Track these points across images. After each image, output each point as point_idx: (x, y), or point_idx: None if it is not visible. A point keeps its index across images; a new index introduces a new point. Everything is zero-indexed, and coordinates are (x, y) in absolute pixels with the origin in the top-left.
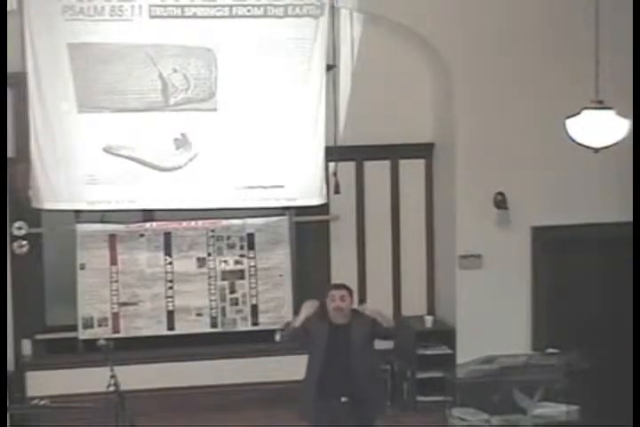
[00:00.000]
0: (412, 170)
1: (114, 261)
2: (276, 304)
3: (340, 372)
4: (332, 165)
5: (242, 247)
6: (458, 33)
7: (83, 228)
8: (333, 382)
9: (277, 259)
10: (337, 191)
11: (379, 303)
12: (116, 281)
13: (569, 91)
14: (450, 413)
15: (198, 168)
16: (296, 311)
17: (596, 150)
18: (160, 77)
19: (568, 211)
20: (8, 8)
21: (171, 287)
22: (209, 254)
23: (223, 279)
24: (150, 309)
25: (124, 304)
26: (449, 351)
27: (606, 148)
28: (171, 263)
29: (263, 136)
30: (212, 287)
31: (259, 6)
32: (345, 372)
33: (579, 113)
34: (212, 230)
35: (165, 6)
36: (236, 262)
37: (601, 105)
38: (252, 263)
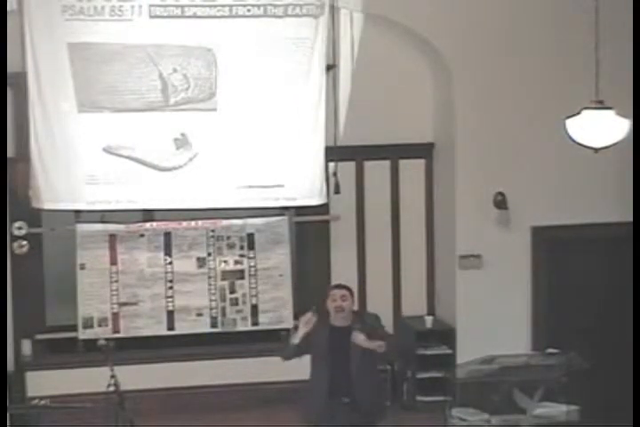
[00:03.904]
0: (412, 170)
1: (114, 261)
2: (276, 304)
3: (343, 374)
4: (332, 165)
5: (242, 247)
6: (458, 33)
7: (83, 228)
8: (338, 384)
9: (277, 259)
10: (337, 191)
11: (379, 303)
12: (116, 281)
13: (569, 91)
14: (450, 413)
15: (198, 168)
16: (296, 314)
17: (596, 150)
18: (160, 77)
19: (568, 211)
20: (8, 8)
21: (171, 287)
22: (209, 254)
23: (223, 279)
24: (150, 309)
25: (124, 304)
26: (449, 351)
27: (606, 148)
28: (171, 263)
29: (263, 136)
30: (212, 287)
31: (259, 6)
32: (347, 374)
33: (579, 113)
34: (212, 230)
35: (165, 6)
36: (236, 262)
37: (601, 105)
38: (252, 263)
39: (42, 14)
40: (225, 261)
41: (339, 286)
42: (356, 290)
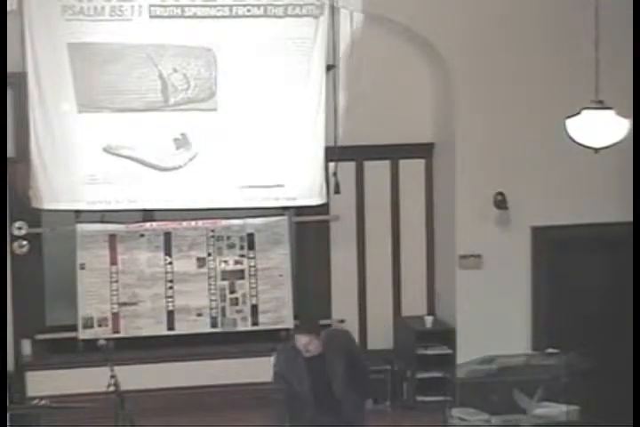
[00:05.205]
0: (412, 170)
1: (114, 261)
2: (276, 304)
3: (326, 401)
4: (332, 165)
5: (242, 247)
6: (458, 33)
7: (83, 228)
8: (323, 405)
9: (277, 259)
10: (337, 191)
11: (379, 303)
12: (116, 281)
13: (569, 91)
14: (450, 413)
15: (198, 168)
16: (296, 312)
17: (596, 150)
18: (160, 77)
19: (568, 211)
20: (8, 8)
21: (171, 287)
22: (209, 254)
23: (223, 279)
24: (150, 309)
25: (124, 304)
26: (449, 351)
27: (606, 148)
28: (171, 263)
29: (263, 136)
30: (212, 287)
31: (259, 6)
32: (330, 396)
33: (579, 113)
34: (212, 230)
35: (165, 6)
36: (236, 262)
37: (601, 105)
38: (252, 263)
39: (42, 14)
40: (225, 261)
41: (302, 332)
42: (355, 289)
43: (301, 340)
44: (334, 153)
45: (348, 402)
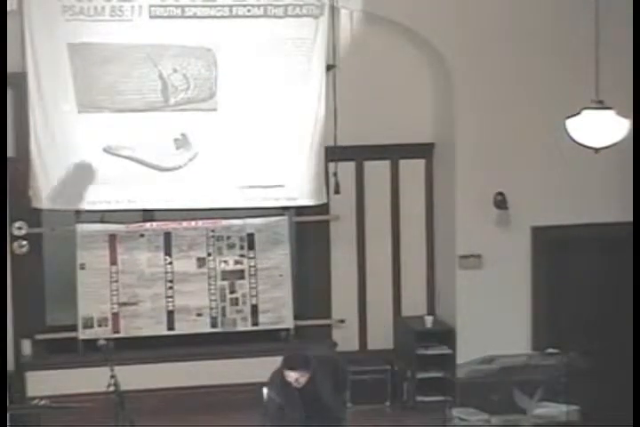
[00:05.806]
0: (411, 170)
1: (114, 261)
2: (276, 304)
3: (316, 412)
4: (332, 165)
5: (242, 247)
6: (458, 33)
7: (83, 228)
8: (314, 418)
9: (277, 259)
10: (337, 191)
11: (379, 303)
12: (116, 281)
13: (569, 91)
14: (450, 413)
15: (198, 168)
16: (296, 312)
17: (596, 150)
18: (160, 77)
19: (568, 211)
20: (8, 8)
21: (171, 287)
22: (209, 254)
23: (223, 279)
24: (150, 309)
25: (124, 304)
26: (449, 351)
27: (606, 148)
28: (171, 263)
29: (263, 136)
30: (212, 287)
31: (259, 6)
32: (319, 409)
33: (579, 113)
34: (212, 230)
35: (165, 6)
36: (236, 262)
37: (601, 105)
38: (252, 263)
39: (42, 14)
40: (225, 261)
41: (292, 367)
42: (355, 290)
43: (292, 376)
44: (334, 153)
45: (334, 404)
